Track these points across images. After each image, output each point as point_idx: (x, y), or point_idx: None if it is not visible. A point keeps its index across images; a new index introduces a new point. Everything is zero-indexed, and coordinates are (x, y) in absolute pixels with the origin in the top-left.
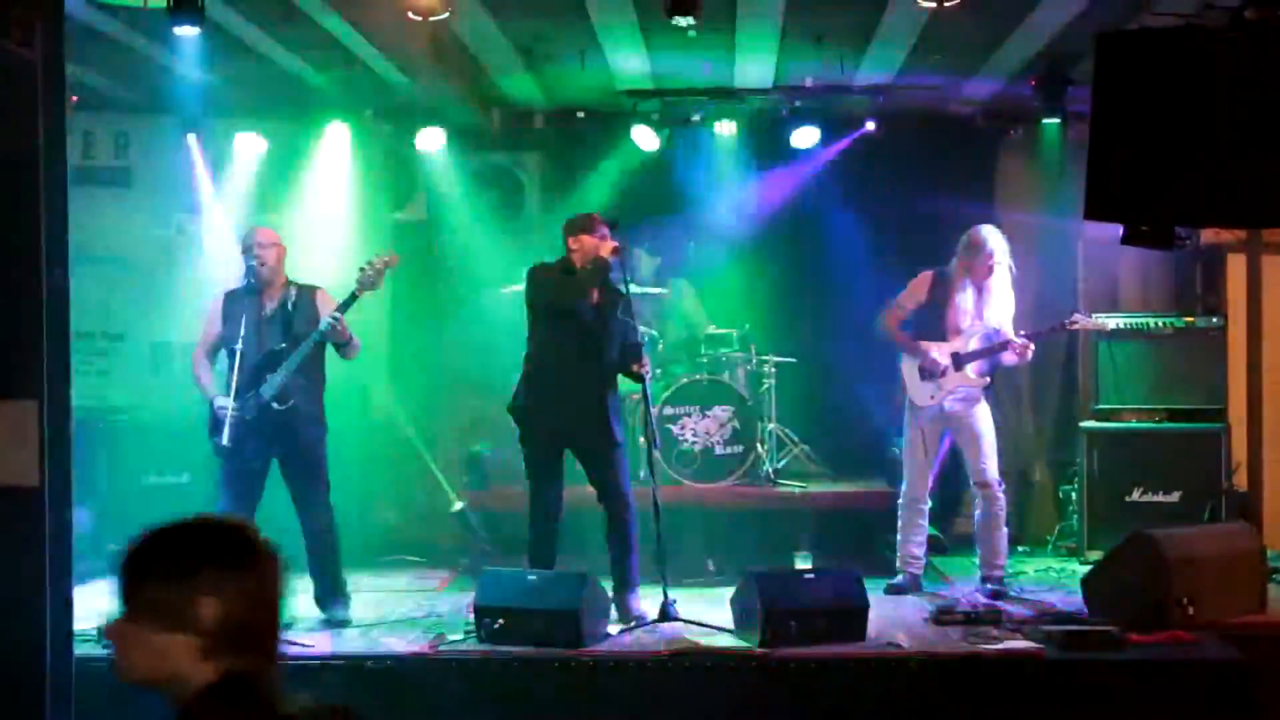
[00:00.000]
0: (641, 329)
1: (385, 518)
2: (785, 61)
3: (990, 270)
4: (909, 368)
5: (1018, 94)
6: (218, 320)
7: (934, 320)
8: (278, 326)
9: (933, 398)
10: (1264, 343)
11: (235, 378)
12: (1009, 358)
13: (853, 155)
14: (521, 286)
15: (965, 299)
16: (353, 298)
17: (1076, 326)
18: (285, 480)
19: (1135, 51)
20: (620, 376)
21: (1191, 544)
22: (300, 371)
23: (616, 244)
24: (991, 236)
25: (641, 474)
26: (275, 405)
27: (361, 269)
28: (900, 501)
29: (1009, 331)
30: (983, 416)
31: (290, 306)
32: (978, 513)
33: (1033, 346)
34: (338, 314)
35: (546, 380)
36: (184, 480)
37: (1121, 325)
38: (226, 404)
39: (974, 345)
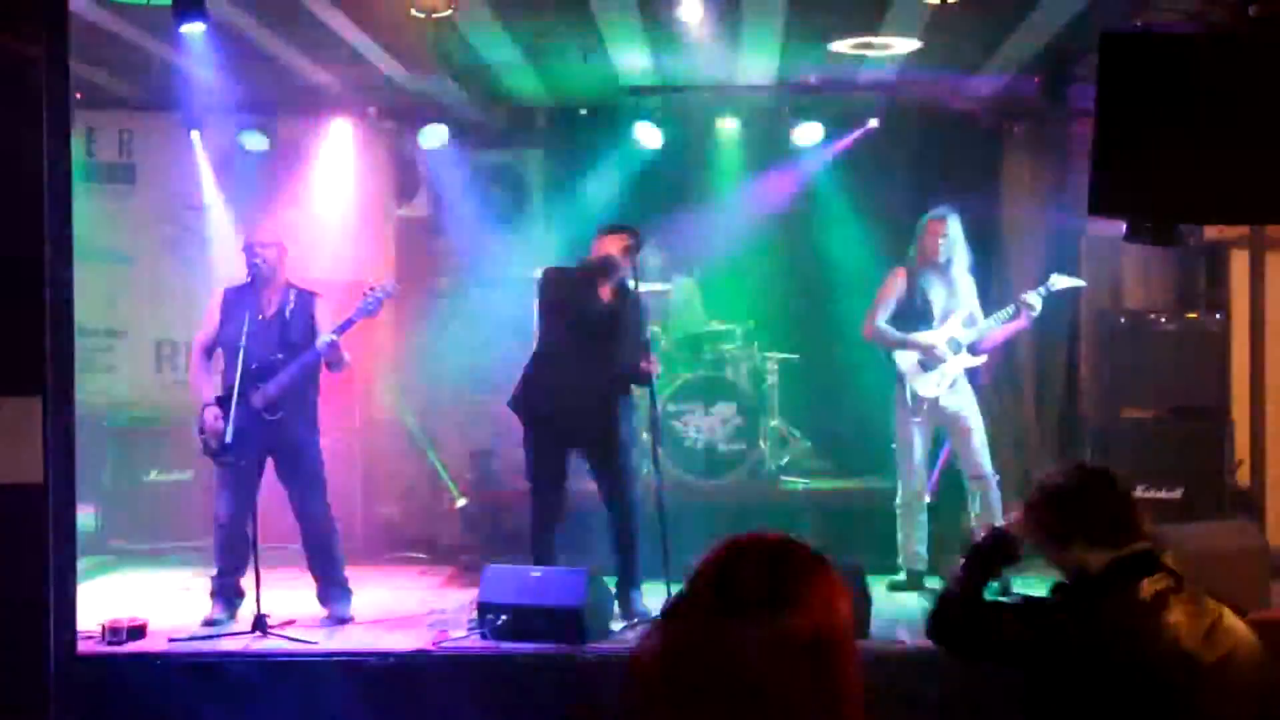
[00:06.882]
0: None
1: (388, 514)
2: (788, 58)
3: (936, 244)
4: (909, 363)
5: (1022, 90)
6: (216, 318)
7: (913, 313)
8: (274, 333)
9: (939, 385)
10: (1267, 339)
11: (234, 380)
12: (1011, 327)
13: (856, 152)
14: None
15: (935, 287)
16: (350, 323)
17: (1057, 288)
18: (280, 480)
19: (1139, 48)
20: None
21: (1194, 540)
22: (293, 384)
23: (627, 242)
24: (947, 217)
25: (645, 470)
26: (265, 416)
27: (365, 294)
28: (898, 501)
29: (979, 315)
30: (973, 410)
31: (288, 314)
32: (975, 507)
33: (1038, 307)
34: (335, 336)
35: (552, 379)
36: (187, 477)
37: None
38: (217, 412)
39: (964, 329)
